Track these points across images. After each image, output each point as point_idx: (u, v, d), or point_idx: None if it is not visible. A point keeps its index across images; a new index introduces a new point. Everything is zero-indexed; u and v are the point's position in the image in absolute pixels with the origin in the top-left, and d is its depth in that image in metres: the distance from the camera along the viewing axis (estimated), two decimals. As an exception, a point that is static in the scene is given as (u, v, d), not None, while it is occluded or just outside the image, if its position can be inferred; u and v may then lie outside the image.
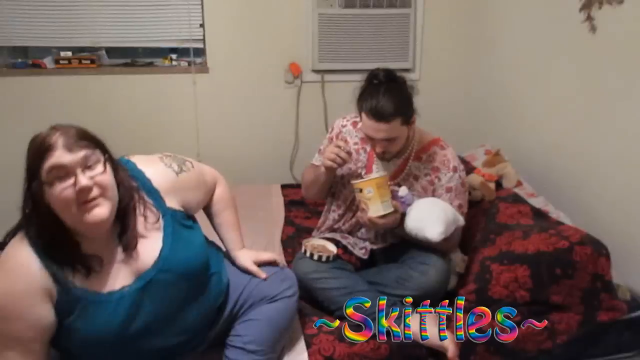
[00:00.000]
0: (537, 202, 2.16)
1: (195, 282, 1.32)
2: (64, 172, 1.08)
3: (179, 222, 1.30)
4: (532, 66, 2.55)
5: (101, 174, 1.11)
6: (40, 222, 1.11)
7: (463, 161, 2.21)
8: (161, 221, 1.26)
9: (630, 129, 1.96)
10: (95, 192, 1.10)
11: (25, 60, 2.78)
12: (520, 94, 2.68)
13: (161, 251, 1.23)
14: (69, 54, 2.74)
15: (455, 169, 1.83)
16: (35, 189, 1.08)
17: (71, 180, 1.08)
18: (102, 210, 1.11)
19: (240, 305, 1.46)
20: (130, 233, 1.19)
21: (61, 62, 2.73)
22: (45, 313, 1.13)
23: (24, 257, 1.11)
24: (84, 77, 2.75)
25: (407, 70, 2.96)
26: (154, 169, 1.31)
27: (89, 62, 2.75)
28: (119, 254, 1.20)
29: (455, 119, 3.07)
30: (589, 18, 2.09)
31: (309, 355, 1.54)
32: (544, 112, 2.48)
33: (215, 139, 2.95)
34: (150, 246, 1.23)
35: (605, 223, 2.05)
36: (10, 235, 1.17)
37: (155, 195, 1.28)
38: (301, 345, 1.57)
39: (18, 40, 2.72)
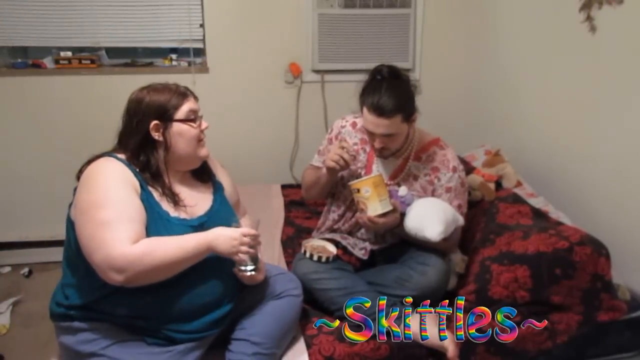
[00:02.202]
0: (537, 202, 2.16)
1: None
2: (195, 115, 1.46)
3: (221, 192, 1.61)
4: (532, 66, 2.55)
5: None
6: (149, 152, 1.40)
7: (463, 161, 2.21)
8: (211, 186, 1.59)
9: (630, 129, 1.96)
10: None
11: (25, 60, 2.78)
12: (520, 94, 2.67)
13: (212, 205, 1.53)
14: (69, 54, 2.74)
15: (454, 169, 1.83)
16: (164, 124, 1.40)
17: (197, 123, 1.45)
18: (207, 149, 1.50)
19: (249, 294, 1.54)
20: (206, 173, 1.58)
21: (61, 62, 2.73)
22: (139, 200, 1.34)
23: (116, 161, 1.37)
24: (84, 77, 2.74)
25: (407, 70, 2.95)
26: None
27: (89, 62, 2.75)
28: (187, 198, 1.46)
29: (455, 118, 3.06)
30: (589, 18, 2.09)
31: (309, 355, 1.54)
32: (544, 112, 2.48)
33: (215, 138, 2.91)
34: (205, 200, 1.53)
35: (605, 223, 2.05)
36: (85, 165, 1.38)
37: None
38: (301, 346, 1.57)
39: (18, 40, 2.71)
